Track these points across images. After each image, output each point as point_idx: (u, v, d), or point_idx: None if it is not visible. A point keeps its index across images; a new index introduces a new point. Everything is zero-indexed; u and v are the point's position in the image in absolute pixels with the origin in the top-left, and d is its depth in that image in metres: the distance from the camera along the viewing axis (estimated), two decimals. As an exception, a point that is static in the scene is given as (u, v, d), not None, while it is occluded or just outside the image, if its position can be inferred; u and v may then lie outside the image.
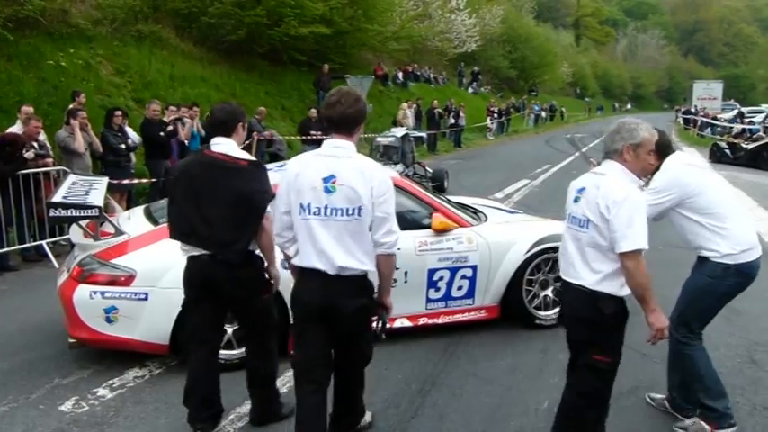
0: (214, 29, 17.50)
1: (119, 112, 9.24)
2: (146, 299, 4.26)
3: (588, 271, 3.08)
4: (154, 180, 9.60)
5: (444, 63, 36.54)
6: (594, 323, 3.12)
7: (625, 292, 3.07)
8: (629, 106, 78.68)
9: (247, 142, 12.51)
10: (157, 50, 15.75)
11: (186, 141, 10.24)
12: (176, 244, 3.70)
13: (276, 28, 17.84)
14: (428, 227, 4.95)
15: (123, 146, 8.95)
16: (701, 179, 3.59)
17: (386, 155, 12.34)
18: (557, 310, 5.33)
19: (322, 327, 2.99)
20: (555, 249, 5.24)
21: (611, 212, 2.91)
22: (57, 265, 7.23)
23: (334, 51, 21.03)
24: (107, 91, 12.96)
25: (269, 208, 3.28)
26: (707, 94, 47.29)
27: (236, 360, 4.32)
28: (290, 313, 3.19)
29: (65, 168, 7.84)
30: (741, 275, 3.62)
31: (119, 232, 4.66)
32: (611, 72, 79.40)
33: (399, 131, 12.96)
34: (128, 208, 7.66)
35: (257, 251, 3.46)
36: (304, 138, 14.66)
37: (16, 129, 7.99)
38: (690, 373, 3.75)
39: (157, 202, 5.89)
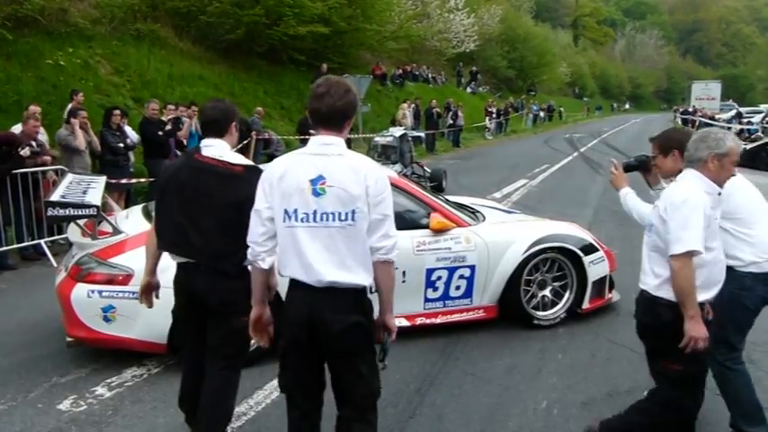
0: (213, 28, 17.51)
1: (117, 112, 9.25)
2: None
3: (651, 275, 3.06)
4: (152, 179, 9.59)
5: (443, 63, 36.55)
6: (655, 329, 3.08)
7: None
8: (627, 106, 78.80)
9: (245, 141, 12.53)
10: (156, 50, 15.75)
11: (185, 141, 10.24)
12: None
13: (275, 27, 17.87)
14: (426, 227, 4.95)
15: (122, 145, 8.95)
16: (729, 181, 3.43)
17: (384, 155, 12.34)
18: (555, 310, 5.34)
19: (309, 348, 2.62)
20: (553, 249, 5.27)
21: (668, 214, 2.88)
22: (55, 264, 7.23)
23: (332, 51, 21.05)
24: (106, 90, 12.97)
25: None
26: (705, 94, 47.43)
27: None
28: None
29: (63, 167, 7.84)
30: None
31: (116, 231, 4.66)
32: (609, 72, 79.47)
33: (397, 131, 12.96)
34: (126, 207, 7.66)
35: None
36: (302, 137, 14.67)
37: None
38: (730, 396, 3.63)
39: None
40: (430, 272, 4.91)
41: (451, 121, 24.01)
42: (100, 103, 11.81)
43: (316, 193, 2.50)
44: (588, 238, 5.57)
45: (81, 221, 4.77)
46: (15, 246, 7.43)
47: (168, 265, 4.09)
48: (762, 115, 26.14)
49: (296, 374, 2.72)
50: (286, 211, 2.54)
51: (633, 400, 4.03)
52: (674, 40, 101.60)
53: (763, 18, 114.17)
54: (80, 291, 4.29)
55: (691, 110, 40.86)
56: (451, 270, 4.98)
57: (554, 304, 5.37)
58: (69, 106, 9.40)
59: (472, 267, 5.03)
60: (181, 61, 16.34)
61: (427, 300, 4.97)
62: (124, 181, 8.87)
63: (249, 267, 3.02)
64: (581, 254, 5.35)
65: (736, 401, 3.57)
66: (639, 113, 70.26)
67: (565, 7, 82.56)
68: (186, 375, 3.36)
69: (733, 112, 31.97)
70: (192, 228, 3.05)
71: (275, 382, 4.18)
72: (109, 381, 4.29)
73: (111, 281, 4.27)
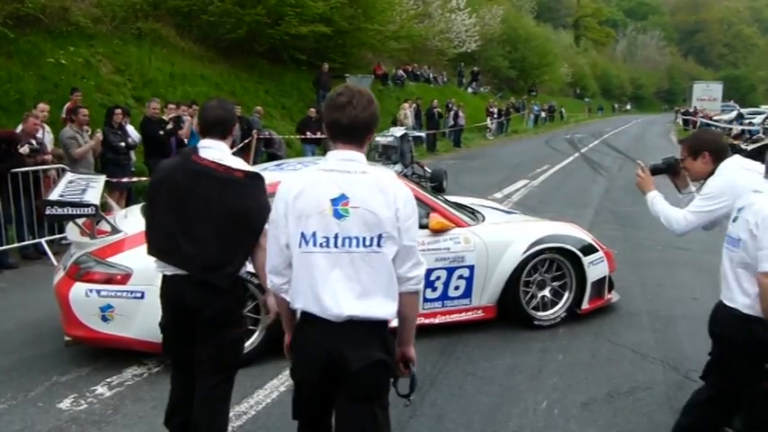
0: (214, 27, 17.52)
1: (119, 111, 9.25)
2: (142, 297, 4.24)
3: (740, 293, 2.92)
4: (153, 178, 9.59)
5: (444, 63, 36.54)
6: (752, 348, 2.91)
7: None
8: (628, 107, 78.79)
9: (246, 141, 12.53)
10: (157, 49, 15.75)
11: (186, 140, 10.24)
12: None
13: (276, 27, 17.85)
14: (424, 227, 4.91)
15: (123, 144, 8.96)
16: (758, 185, 3.32)
17: (384, 155, 12.33)
18: (554, 310, 5.35)
19: (323, 389, 2.34)
20: (552, 250, 5.27)
21: (759, 229, 2.75)
22: (55, 263, 7.22)
23: (334, 50, 21.04)
24: (107, 89, 12.96)
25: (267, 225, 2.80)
26: (706, 95, 47.41)
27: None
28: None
29: (64, 166, 7.84)
30: None
31: (115, 230, 4.65)
32: (610, 72, 79.43)
33: (398, 131, 12.93)
34: (127, 206, 7.67)
35: (243, 273, 3.00)
36: (303, 137, 14.67)
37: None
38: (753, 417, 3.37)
39: None
40: (429, 272, 4.82)
41: (452, 122, 24.00)
42: (101, 102, 11.81)
43: (337, 215, 2.22)
44: (587, 238, 5.57)
45: (80, 221, 4.77)
46: (16, 245, 7.43)
47: None
48: (763, 116, 26.11)
49: (309, 414, 2.46)
50: (303, 235, 2.25)
51: (634, 400, 4.05)
52: (675, 41, 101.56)
53: (765, 19, 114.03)
54: (78, 290, 4.28)
55: (692, 111, 40.79)
56: (450, 270, 4.98)
57: (553, 304, 5.37)
58: (67, 105, 9.42)
59: (471, 267, 5.03)
60: (182, 60, 16.35)
61: (426, 300, 4.93)
62: (125, 180, 8.87)
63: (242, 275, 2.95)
64: (580, 254, 5.35)
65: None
66: (641, 114, 70.23)
67: (566, 8, 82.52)
68: (174, 393, 3.12)
69: (734, 114, 31.93)
70: (184, 235, 2.83)
71: (276, 381, 4.22)
72: (109, 380, 4.29)
73: (109, 280, 4.26)
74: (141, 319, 4.22)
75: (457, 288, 5.05)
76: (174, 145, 9.91)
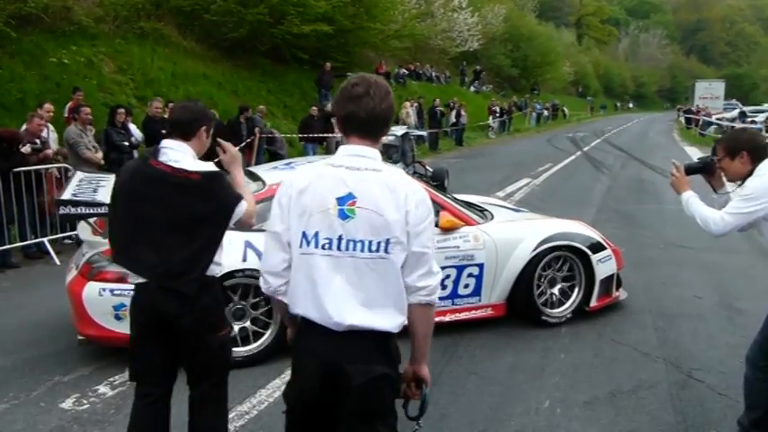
0: (216, 27, 17.55)
1: (122, 110, 9.30)
2: None
3: None
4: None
5: (446, 62, 36.55)
6: None
7: None
8: (630, 105, 78.71)
9: (249, 140, 12.55)
10: (160, 48, 15.78)
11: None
12: None
13: (278, 26, 17.88)
14: (435, 225, 4.89)
15: (127, 143, 8.98)
16: None
17: (385, 153, 12.25)
18: (563, 308, 5.35)
19: (319, 406, 2.15)
20: (562, 248, 5.27)
21: None
22: (58, 263, 7.24)
23: (336, 50, 21.05)
24: (109, 89, 12.99)
25: (239, 215, 2.79)
26: (709, 93, 47.26)
27: (239, 358, 4.30)
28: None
29: (67, 165, 7.85)
30: None
31: None
32: (612, 71, 79.35)
33: (399, 130, 12.82)
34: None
35: (217, 274, 2.89)
36: (305, 136, 14.67)
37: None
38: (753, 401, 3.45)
39: None
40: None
41: (455, 120, 24.00)
42: (103, 101, 11.84)
43: (343, 215, 2.05)
44: (596, 236, 5.59)
45: (92, 220, 4.78)
46: (18, 244, 7.44)
47: None
48: (765, 114, 26.07)
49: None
50: (304, 235, 2.09)
51: (636, 399, 4.04)
52: (677, 40, 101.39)
53: (767, 18, 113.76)
54: (92, 289, 4.30)
55: (694, 109, 40.71)
56: (460, 268, 4.98)
57: (561, 303, 5.38)
58: (69, 104, 9.43)
59: (481, 266, 5.04)
60: (184, 60, 16.37)
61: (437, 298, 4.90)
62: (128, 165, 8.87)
63: (217, 275, 2.84)
64: (589, 252, 5.36)
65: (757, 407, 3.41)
66: (643, 113, 70.15)
67: (569, 6, 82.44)
68: (133, 422, 2.94)
69: (736, 112, 31.89)
70: (144, 243, 2.72)
71: (278, 381, 4.20)
72: (112, 379, 4.29)
73: (122, 279, 4.18)
74: None
75: (467, 286, 5.05)
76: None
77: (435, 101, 22.91)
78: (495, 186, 12.96)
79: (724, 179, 3.50)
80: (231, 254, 4.15)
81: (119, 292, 4.22)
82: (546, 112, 41.85)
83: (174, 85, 14.79)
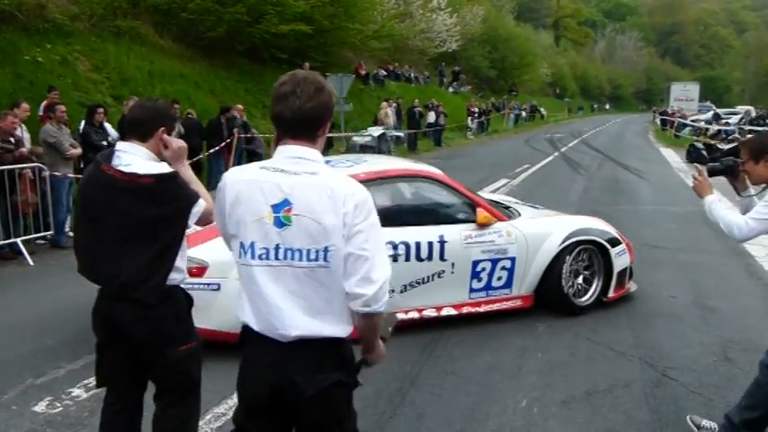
0: (194, 25, 17.40)
1: (101, 110, 9.21)
2: (218, 289, 4.37)
3: None
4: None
5: (425, 62, 36.64)
6: None
7: None
8: (607, 107, 79.60)
9: (228, 140, 12.46)
10: (136, 46, 15.59)
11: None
12: None
13: (257, 25, 17.79)
14: (469, 221, 5.21)
15: (105, 143, 8.88)
16: None
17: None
18: (585, 298, 5.67)
19: (274, 421, 2.09)
20: (586, 242, 5.64)
21: None
22: (32, 263, 7.13)
23: (314, 50, 20.98)
24: (84, 87, 12.80)
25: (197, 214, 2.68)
26: (684, 95, 47.91)
27: None
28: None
29: (41, 165, 7.73)
30: None
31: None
32: (589, 73, 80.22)
33: (376, 131, 12.75)
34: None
35: (180, 282, 2.77)
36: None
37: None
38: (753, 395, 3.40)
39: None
40: (475, 263, 5.19)
41: (433, 121, 24.06)
42: (78, 100, 11.67)
43: (279, 223, 1.95)
44: (612, 231, 5.90)
45: None
46: (-9, 244, 7.31)
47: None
48: (738, 117, 26.50)
49: None
50: (242, 245, 2.01)
51: (612, 398, 4.09)
52: (653, 42, 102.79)
53: (740, 21, 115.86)
54: None
55: (669, 111, 41.25)
56: (494, 261, 5.27)
57: (585, 292, 5.69)
58: (44, 103, 9.29)
59: (513, 259, 5.33)
60: (161, 58, 16.20)
61: (472, 290, 5.25)
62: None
63: (180, 285, 2.74)
64: (608, 246, 5.68)
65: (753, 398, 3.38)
66: (619, 114, 70.97)
67: (546, 8, 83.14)
68: (105, 422, 2.85)
69: (711, 114, 32.32)
70: (101, 252, 2.63)
71: None
72: (86, 382, 4.22)
73: (188, 272, 4.22)
74: (218, 310, 4.27)
75: (499, 278, 5.34)
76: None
77: (414, 101, 22.95)
78: (474, 187, 12.90)
79: (748, 182, 3.44)
80: None
81: (186, 285, 4.20)
82: (524, 114, 42.15)
83: (151, 84, 14.63)
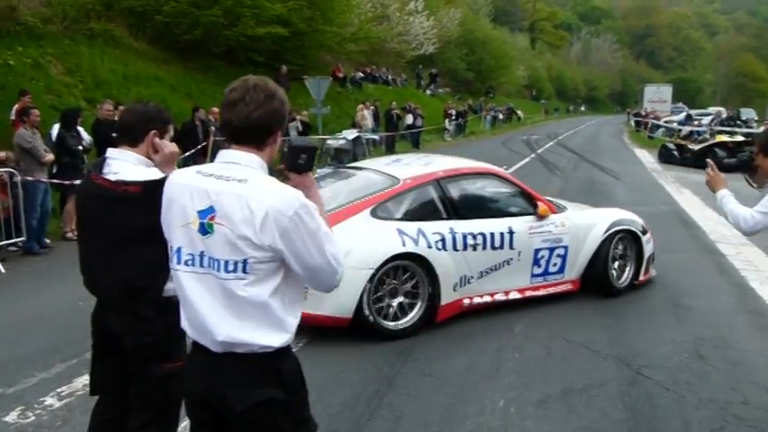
0: (169, 28, 17.25)
1: (80, 114, 9.13)
2: None
3: None
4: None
5: (402, 65, 36.71)
6: None
7: None
8: (582, 108, 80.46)
9: (204, 143, 12.37)
10: (110, 49, 15.42)
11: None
12: (354, 227, 4.86)
13: (233, 28, 17.68)
14: (527, 213, 5.78)
15: (81, 147, 8.78)
16: None
17: (337, 158, 12.05)
18: (623, 279, 6.24)
19: (215, 428, 2.00)
20: (623, 231, 6.24)
21: None
22: (2, 270, 7.02)
23: (291, 52, 20.91)
24: (57, 91, 12.62)
25: None
26: (657, 96, 48.66)
27: (396, 330, 5.02)
28: None
29: (12, 170, 7.61)
30: None
31: None
32: (565, 75, 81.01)
33: (351, 134, 12.58)
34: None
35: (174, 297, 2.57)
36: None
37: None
38: None
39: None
40: (536, 251, 5.75)
41: (411, 123, 24.12)
42: (51, 103, 11.50)
43: (203, 230, 1.88)
44: (641, 221, 6.50)
45: None
46: (-39, 251, 7.18)
47: (351, 248, 4.63)
48: (710, 118, 26.93)
49: None
50: (172, 249, 1.97)
51: (588, 397, 4.12)
52: (627, 45, 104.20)
53: (711, 24, 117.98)
54: None
55: (643, 112, 41.83)
56: (551, 249, 5.83)
57: (620, 275, 6.26)
58: (16, 107, 9.15)
59: (566, 247, 5.91)
60: (136, 61, 16.04)
61: (533, 275, 5.79)
62: (79, 182, 8.67)
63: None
64: (641, 234, 6.32)
65: None
66: (595, 115, 71.73)
67: (522, 11, 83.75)
68: (90, 430, 2.84)
69: (683, 115, 32.82)
70: (98, 264, 2.60)
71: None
72: (59, 390, 4.17)
73: None
74: (330, 297, 4.36)
75: (555, 264, 5.89)
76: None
77: (392, 104, 22.99)
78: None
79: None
80: (389, 241, 4.95)
81: None
82: (501, 115, 42.41)
83: (126, 87, 14.48)
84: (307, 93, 18.10)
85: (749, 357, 4.78)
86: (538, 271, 5.80)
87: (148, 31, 17.34)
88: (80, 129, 9.30)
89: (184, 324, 2.01)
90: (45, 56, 13.18)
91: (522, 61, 61.46)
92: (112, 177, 2.54)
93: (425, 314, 5.12)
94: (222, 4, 17.09)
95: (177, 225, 1.94)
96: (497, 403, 4.04)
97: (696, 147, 19.54)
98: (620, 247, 6.23)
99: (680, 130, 26.16)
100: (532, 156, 22.18)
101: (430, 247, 5.09)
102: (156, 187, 2.41)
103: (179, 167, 2.31)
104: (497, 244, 5.49)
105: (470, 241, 5.31)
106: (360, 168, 6.20)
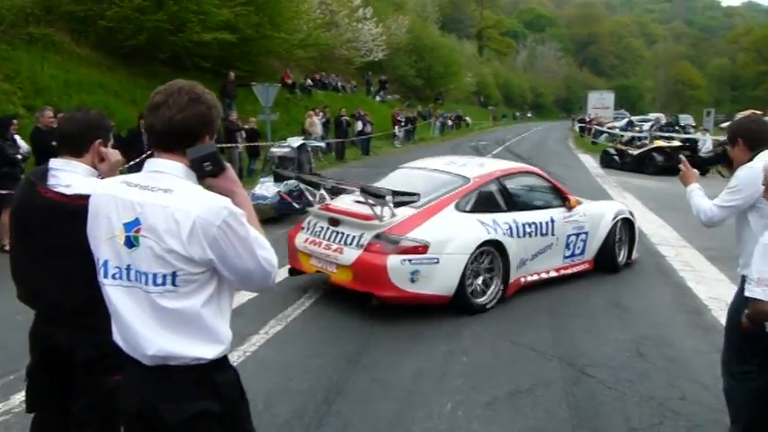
0: (112, 33, 16.84)
1: (16, 122, 8.82)
2: (437, 263, 5.51)
3: None
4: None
5: (352, 71, 36.79)
6: None
7: None
8: (529, 114, 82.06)
9: (150, 151, 12.11)
10: (50, 55, 14.99)
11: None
12: (446, 219, 5.76)
13: (179, 34, 17.39)
14: (558, 206, 6.80)
15: (20, 156, 8.49)
16: None
17: (281, 166, 11.54)
18: (621, 259, 7.39)
19: None
20: (623, 219, 7.41)
21: None
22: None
23: (239, 58, 20.70)
24: (-6, 97, 12.21)
25: None
26: (600, 103, 49.85)
27: (483, 303, 5.86)
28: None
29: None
30: None
31: (392, 215, 5.66)
32: (512, 82, 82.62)
33: (295, 141, 12.08)
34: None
35: None
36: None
37: None
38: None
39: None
40: (568, 237, 6.78)
41: (361, 129, 24.15)
42: (-13, 111, 11.11)
43: (129, 243, 1.83)
44: (629, 210, 7.71)
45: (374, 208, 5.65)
46: None
47: (451, 237, 5.65)
48: (650, 124, 27.82)
49: None
50: (98, 261, 1.93)
51: (534, 397, 4.21)
52: (571, 52, 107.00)
53: (650, 33, 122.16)
54: (394, 260, 5.41)
55: (587, 118, 42.92)
56: (577, 235, 6.88)
57: (619, 255, 7.41)
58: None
59: (587, 233, 6.99)
60: (78, 67, 15.63)
61: (564, 257, 6.82)
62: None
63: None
64: (635, 221, 7.68)
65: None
66: (541, 121, 73.24)
67: (470, 18, 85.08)
68: None
69: (625, 121, 33.82)
70: (45, 279, 2.48)
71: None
72: (-4, 406, 4.03)
73: (414, 251, 5.46)
74: (436, 279, 5.53)
75: (579, 248, 6.95)
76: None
77: (341, 110, 22.99)
78: (401, 195, 13.09)
79: None
80: (477, 230, 5.83)
81: (415, 261, 5.46)
82: (450, 122, 42.89)
83: (68, 94, 14.08)
84: (255, 99, 17.95)
85: (686, 355, 4.96)
86: (568, 253, 6.84)
87: (91, 36, 16.91)
88: (17, 137, 9.00)
89: (116, 338, 1.95)
90: (-20, 62, 12.74)
91: (471, 68, 62.41)
92: (65, 190, 2.42)
93: (500, 291, 6.00)
94: (167, 9, 16.80)
95: (103, 238, 1.89)
96: (445, 407, 4.08)
97: (635, 152, 20.15)
98: (620, 232, 7.34)
99: (622, 136, 26.94)
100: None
101: (504, 234, 6.02)
102: None
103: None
104: (544, 231, 6.51)
105: (527, 229, 6.32)
106: (422, 168, 7.12)
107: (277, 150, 11.91)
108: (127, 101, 15.74)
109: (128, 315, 1.87)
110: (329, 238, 5.91)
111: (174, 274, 1.80)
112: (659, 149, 19.03)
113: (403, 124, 30.48)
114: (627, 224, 7.45)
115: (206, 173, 1.90)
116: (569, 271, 6.87)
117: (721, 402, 3.62)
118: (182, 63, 18.81)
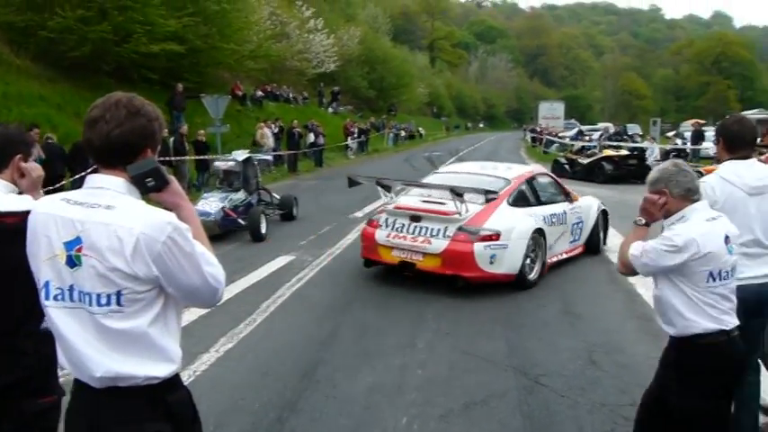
0: (54, 44, 16.35)
1: None
2: (506, 248, 6.71)
3: None
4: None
5: (304, 83, 36.65)
6: None
7: None
8: (481, 125, 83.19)
9: (94, 165, 11.76)
10: (-12, 67, 14.47)
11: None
12: (506, 212, 7.04)
13: (124, 45, 16.97)
14: (564, 201, 8.17)
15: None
16: (728, 193, 3.13)
17: (226, 181, 11.11)
18: (601, 243, 8.91)
19: None
20: (602, 211, 8.94)
21: None
22: None
23: (188, 70, 20.36)
24: (-74, 111, 11.69)
25: None
26: (551, 113, 50.98)
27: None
28: None
29: None
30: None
31: (467, 210, 6.81)
32: (464, 92, 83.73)
33: (240, 155, 11.51)
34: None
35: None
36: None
37: None
38: None
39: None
40: (573, 225, 8.14)
41: (313, 141, 24.01)
42: None
43: (71, 263, 1.76)
44: (602, 202, 9.17)
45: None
46: None
47: (514, 225, 6.86)
48: (599, 133, 28.47)
49: None
50: (39, 283, 1.85)
51: (488, 408, 4.18)
52: (521, 63, 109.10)
53: (597, 44, 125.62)
54: (479, 247, 6.58)
55: (538, 129, 43.75)
56: (577, 224, 8.27)
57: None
58: None
59: (583, 222, 8.42)
60: (17, 79, 15.11)
61: (569, 242, 8.13)
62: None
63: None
64: (608, 211, 9.18)
65: None
66: (493, 132, 74.31)
67: (421, 30, 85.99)
68: None
69: (575, 130, 34.58)
70: None
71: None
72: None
73: (491, 238, 6.64)
74: (507, 260, 6.74)
75: (577, 234, 8.33)
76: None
77: (293, 122, 22.82)
78: (354, 206, 13.07)
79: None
80: (529, 220, 7.12)
81: (494, 246, 6.65)
82: (403, 133, 43.12)
83: (7, 107, 13.59)
84: (204, 111, 17.64)
85: (637, 361, 5.00)
86: (572, 239, 8.18)
87: (31, 47, 16.39)
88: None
89: (62, 360, 1.87)
90: None
91: (423, 79, 62.98)
92: None
93: (540, 269, 7.23)
94: (112, 20, 16.40)
95: (43, 258, 1.82)
96: (400, 421, 4.02)
97: (585, 161, 20.56)
98: (601, 220, 8.80)
99: (572, 145, 27.48)
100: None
101: (544, 223, 7.32)
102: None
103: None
104: (561, 221, 7.82)
105: (553, 219, 7.60)
106: (461, 173, 8.49)
107: (222, 164, 11.44)
108: (71, 114, 15.28)
109: (72, 337, 1.79)
110: (413, 232, 6.95)
111: (118, 294, 1.74)
112: (608, 158, 19.46)
113: (356, 136, 30.48)
114: (603, 214, 8.97)
115: (149, 188, 1.85)
116: (573, 253, 8.22)
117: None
118: (128, 75, 18.40)
